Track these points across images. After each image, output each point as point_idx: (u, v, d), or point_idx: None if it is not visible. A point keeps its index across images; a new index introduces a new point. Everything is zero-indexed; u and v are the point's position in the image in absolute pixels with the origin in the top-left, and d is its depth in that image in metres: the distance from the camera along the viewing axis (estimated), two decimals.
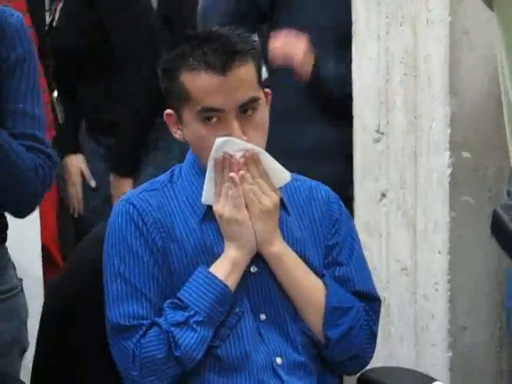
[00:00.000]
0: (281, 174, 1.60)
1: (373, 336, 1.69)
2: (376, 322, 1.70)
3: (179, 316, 1.57)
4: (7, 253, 1.83)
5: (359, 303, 1.67)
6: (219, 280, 1.57)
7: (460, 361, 2.11)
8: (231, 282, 1.58)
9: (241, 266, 1.58)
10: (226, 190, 1.54)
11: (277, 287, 1.62)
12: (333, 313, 1.62)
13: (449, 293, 2.09)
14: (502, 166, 2.03)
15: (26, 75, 1.72)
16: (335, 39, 2.52)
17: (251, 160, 1.54)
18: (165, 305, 1.59)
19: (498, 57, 1.69)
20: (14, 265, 1.86)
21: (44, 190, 1.81)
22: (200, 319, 1.56)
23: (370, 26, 2.19)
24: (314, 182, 1.75)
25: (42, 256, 2.67)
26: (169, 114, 1.63)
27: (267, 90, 1.65)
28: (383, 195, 2.23)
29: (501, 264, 2.03)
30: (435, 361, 2.12)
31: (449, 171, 2.06)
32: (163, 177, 1.67)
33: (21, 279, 2.00)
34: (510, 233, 1.66)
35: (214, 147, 1.51)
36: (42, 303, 2.46)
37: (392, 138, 2.19)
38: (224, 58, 1.52)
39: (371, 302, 1.69)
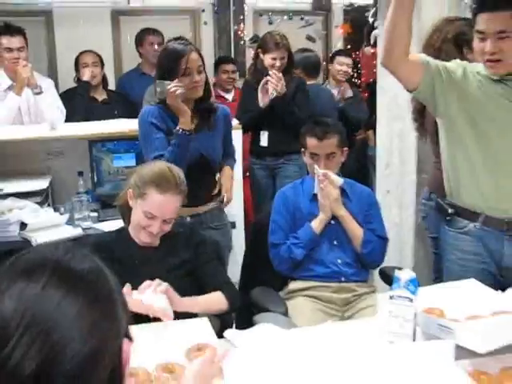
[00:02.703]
0: (338, 181, 2.56)
1: (382, 254, 2.61)
2: (384, 247, 2.60)
3: (295, 241, 2.57)
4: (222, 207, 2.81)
5: (377, 239, 2.57)
6: (313, 230, 2.55)
7: None
8: (319, 230, 2.55)
9: (324, 221, 2.57)
10: (320, 190, 2.56)
11: (343, 230, 2.57)
12: (364, 243, 2.57)
13: None
14: None
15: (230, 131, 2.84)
16: None
17: (326, 175, 2.54)
18: (290, 235, 2.58)
19: None
20: (224, 211, 2.80)
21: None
22: (302, 245, 2.56)
23: None
24: (361, 187, 2.70)
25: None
26: (302, 151, 2.65)
27: (345, 148, 2.61)
28: None
29: None
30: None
31: None
32: (298, 181, 2.72)
33: (233, 222, 3.02)
34: None
35: (315, 170, 2.56)
36: (243, 240, 3.29)
37: None
38: (323, 133, 2.58)
39: (384, 240, 2.63)
